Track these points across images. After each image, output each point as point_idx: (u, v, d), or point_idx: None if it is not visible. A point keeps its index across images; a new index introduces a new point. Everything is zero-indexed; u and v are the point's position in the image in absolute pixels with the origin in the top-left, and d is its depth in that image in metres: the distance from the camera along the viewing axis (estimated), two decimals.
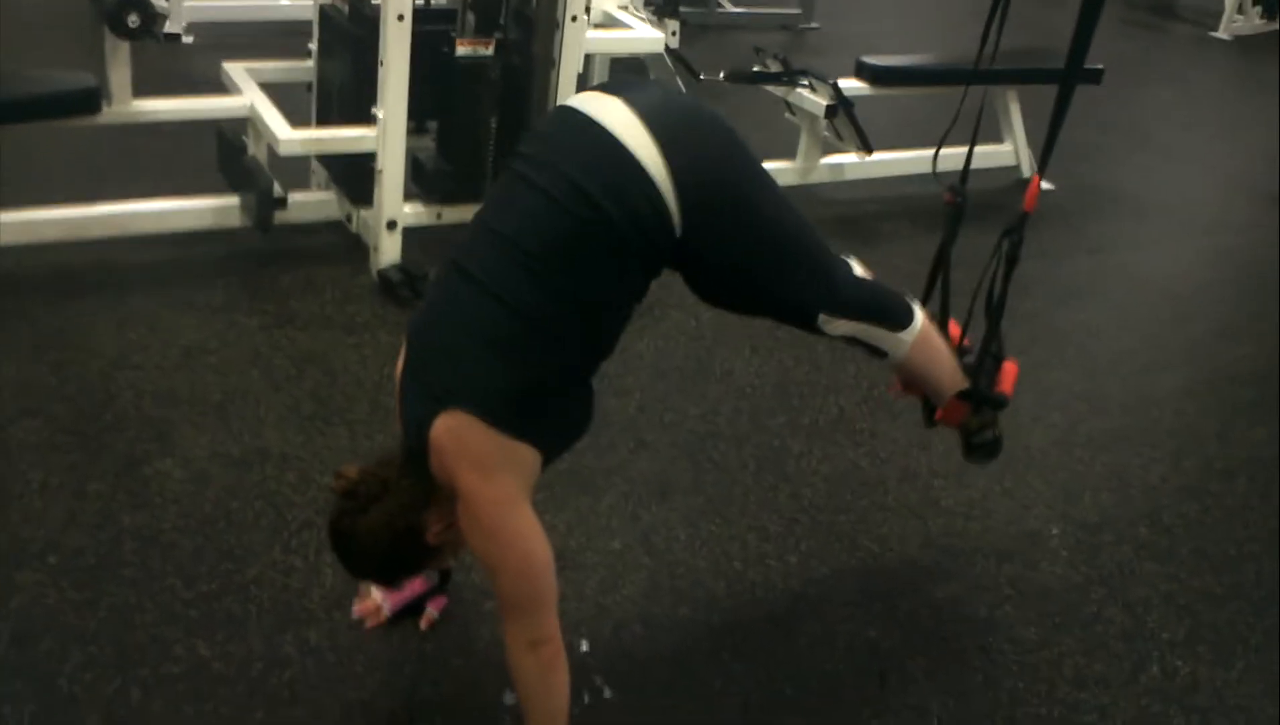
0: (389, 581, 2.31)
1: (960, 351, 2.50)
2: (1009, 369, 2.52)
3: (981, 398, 2.47)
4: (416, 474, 1.99)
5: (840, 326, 2.21)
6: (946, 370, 2.44)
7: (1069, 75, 2.35)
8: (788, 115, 4.57)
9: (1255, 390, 3.74)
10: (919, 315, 2.35)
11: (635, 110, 1.92)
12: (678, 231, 1.93)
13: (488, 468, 1.91)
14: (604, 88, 2.04)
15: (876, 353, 2.31)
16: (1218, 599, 2.80)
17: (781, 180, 4.47)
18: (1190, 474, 3.27)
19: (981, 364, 2.47)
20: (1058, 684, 2.50)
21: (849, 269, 2.28)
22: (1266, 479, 3.28)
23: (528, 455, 1.94)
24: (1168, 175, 5.53)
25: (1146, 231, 4.85)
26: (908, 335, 2.30)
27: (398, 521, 1.99)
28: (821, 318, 2.18)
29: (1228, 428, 3.52)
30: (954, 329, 2.54)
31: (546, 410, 1.96)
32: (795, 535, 2.82)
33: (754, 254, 2.07)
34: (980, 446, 2.56)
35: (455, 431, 1.90)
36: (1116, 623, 2.69)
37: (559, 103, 1.97)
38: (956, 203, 2.50)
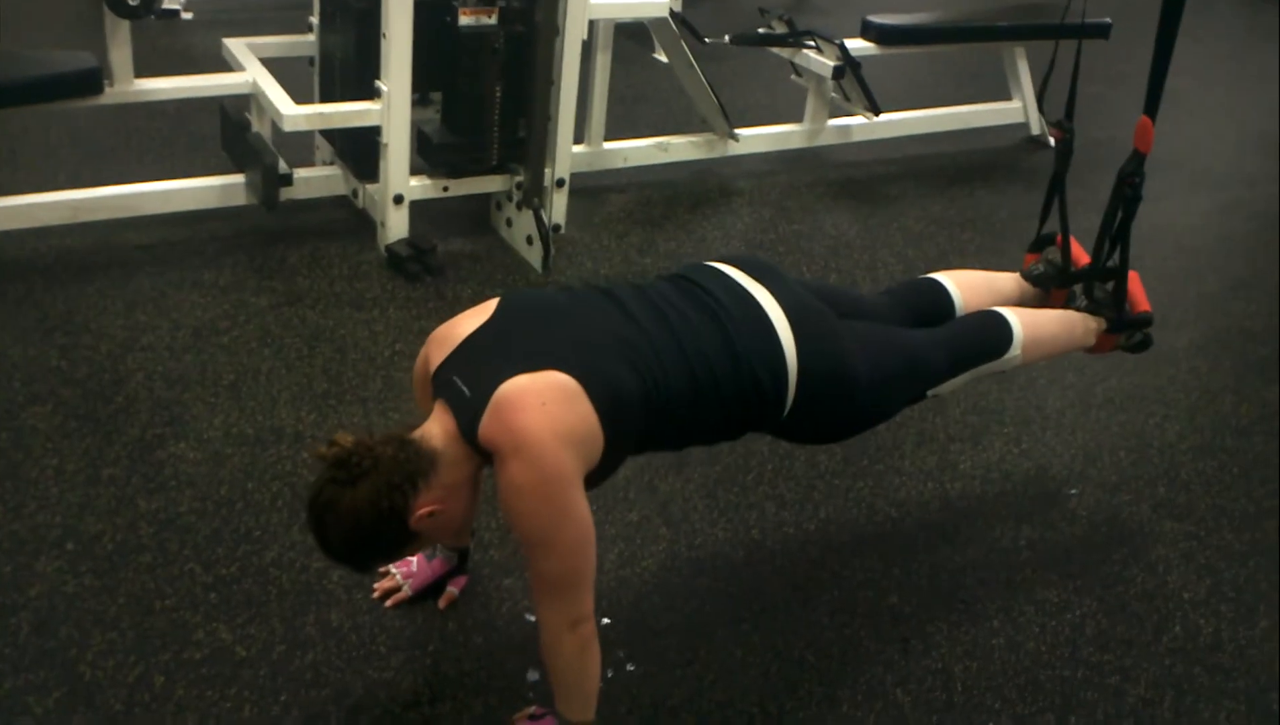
0: (360, 564, 2.10)
1: (1083, 274, 2.67)
2: (1134, 281, 2.69)
3: (1129, 325, 2.70)
4: (455, 437, 1.94)
5: (949, 386, 2.43)
6: (1066, 338, 2.63)
7: (1170, 18, 2.45)
8: (794, 77, 4.53)
9: (1268, 346, 3.72)
10: (1016, 325, 2.48)
11: (782, 306, 2.16)
12: (786, 410, 2.16)
13: (569, 436, 1.87)
14: (747, 269, 2.24)
15: (1001, 373, 2.53)
16: (1238, 556, 2.79)
17: (788, 143, 4.50)
18: (1206, 432, 3.26)
19: (1117, 297, 2.66)
20: (1080, 646, 2.49)
21: (936, 336, 2.44)
22: None
23: (599, 448, 1.92)
24: (1178, 128, 5.48)
25: (1157, 185, 4.76)
26: (1015, 350, 2.47)
27: (383, 500, 1.88)
28: (930, 392, 2.40)
29: (1242, 384, 3.50)
30: (1079, 254, 2.70)
31: (627, 428, 1.98)
32: (813, 502, 2.81)
33: (853, 417, 2.32)
34: (1134, 347, 2.77)
35: (546, 390, 1.87)
36: (1137, 583, 2.68)
37: (707, 263, 2.30)
38: (1065, 138, 2.65)
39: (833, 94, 4.47)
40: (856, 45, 4.38)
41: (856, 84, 4.34)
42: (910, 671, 2.39)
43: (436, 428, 1.98)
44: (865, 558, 2.68)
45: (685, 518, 2.72)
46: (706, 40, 4.17)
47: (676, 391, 2.02)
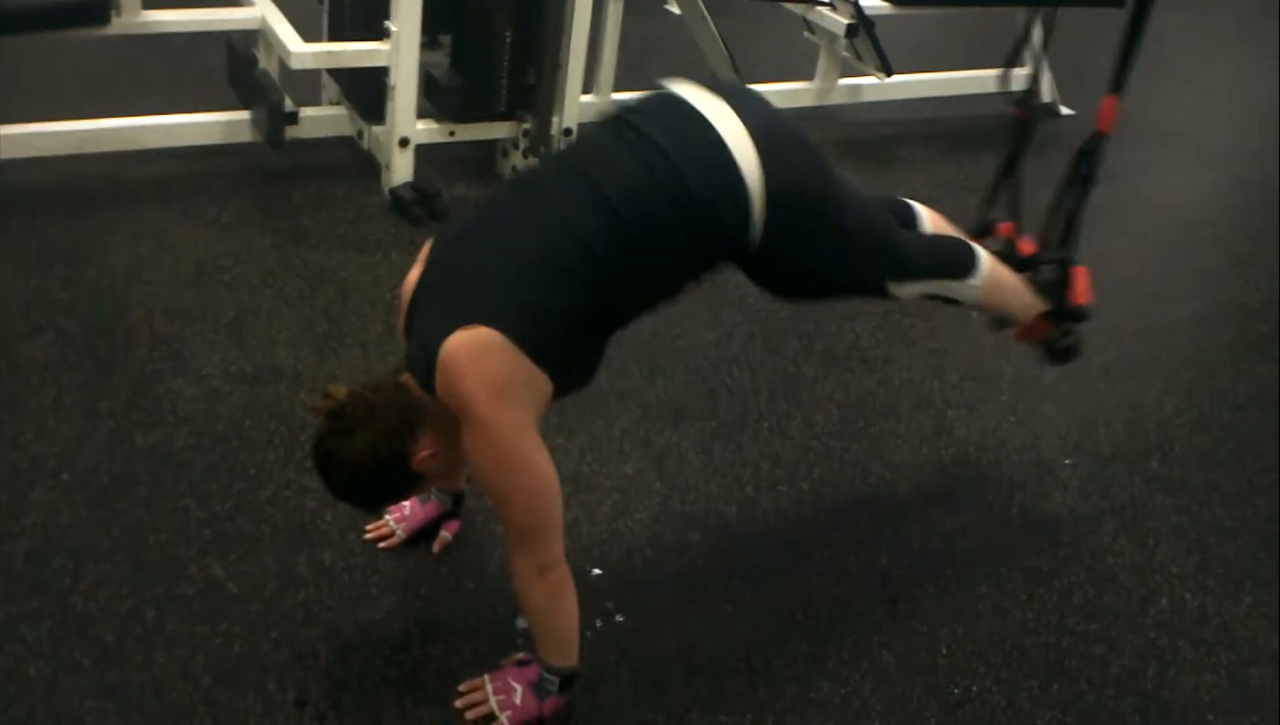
0: (371, 507, 2.25)
1: (1026, 262, 2.57)
2: (1081, 275, 2.58)
3: (1065, 315, 2.59)
4: (424, 392, 1.96)
5: (909, 290, 2.32)
6: (1017, 300, 2.54)
7: None
8: (806, 34, 4.49)
9: (1267, 322, 3.71)
10: (983, 259, 2.42)
11: (745, 123, 1.99)
12: (755, 242, 2.02)
13: (505, 391, 1.88)
14: (710, 87, 2.06)
15: (950, 302, 2.41)
16: (1228, 532, 2.80)
17: (798, 101, 4.47)
18: (1203, 406, 3.26)
19: (1061, 281, 2.56)
20: (1066, 614, 2.51)
21: (911, 234, 2.39)
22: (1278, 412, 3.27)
23: (544, 385, 1.92)
24: (1184, 101, 5.45)
25: (1161, 158, 4.79)
26: (976, 280, 2.40)
27: (381, 446, 1.95)
28: (890, 287, 2.29)
29: (1240, 359, 3.50)
30: (1026, 247, 2.60)
31: (570, 347, 1.97)
32: (808, 462, 2.82)
33: (824, 263, 2.19)
34: (1062, 352, 2.67)
35: (475, 349, 1.87)
36: (1126, 555, 2.69)
37: (664, 87, 2.10)
38: (1026, 118, 2.61)
39: (845, 53, 4.43)
40: (871, 4, 4.33)
41: (869, 43, 4.31)
42: (897, 633, 2.41)
43: (411, 380, 2.02)
44: (857, 519, 2.69)
45: (680, 472, 2.73)
46: None
47: (620, 266, 1.95)
